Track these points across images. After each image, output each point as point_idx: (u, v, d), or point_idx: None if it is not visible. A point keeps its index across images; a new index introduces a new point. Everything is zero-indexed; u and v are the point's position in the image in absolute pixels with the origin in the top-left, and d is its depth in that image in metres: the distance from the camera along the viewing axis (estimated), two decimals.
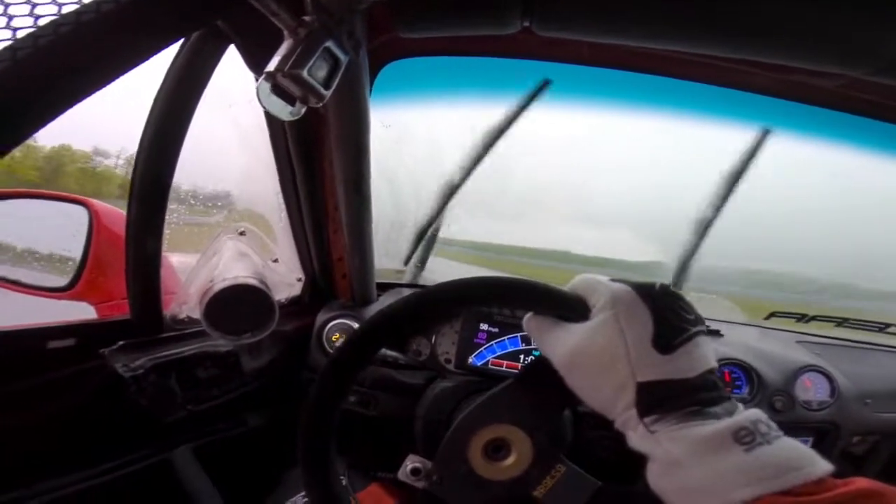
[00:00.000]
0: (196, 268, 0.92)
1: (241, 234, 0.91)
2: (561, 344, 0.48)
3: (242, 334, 0.88)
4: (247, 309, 0.86)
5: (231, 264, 0.87)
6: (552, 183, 1.16)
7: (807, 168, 1.15)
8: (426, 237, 1.44)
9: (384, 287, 1.25)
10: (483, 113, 1.00)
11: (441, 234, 1.37)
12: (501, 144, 1.00)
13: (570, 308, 0.49)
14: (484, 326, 1.07)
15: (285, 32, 0.49)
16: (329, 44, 0.51)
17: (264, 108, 0.51)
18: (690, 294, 1.46)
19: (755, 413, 0.40)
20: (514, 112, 0.99)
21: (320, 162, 0.80)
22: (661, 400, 0.41)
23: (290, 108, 0.56)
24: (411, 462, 0.73)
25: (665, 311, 0.44)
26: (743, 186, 1.16)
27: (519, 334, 1.07)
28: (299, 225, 0.94)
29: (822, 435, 1.18)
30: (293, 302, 1.16)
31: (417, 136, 1.06)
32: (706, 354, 0.43)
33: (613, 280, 0.47)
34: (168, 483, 0.87)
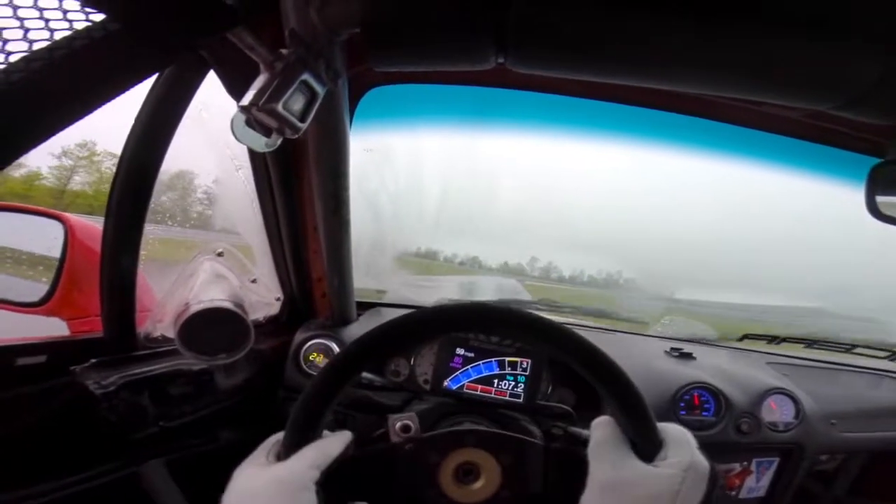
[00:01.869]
0: (172, 287, 0.91)
1: (219, 254, 0.90)
2: (618, 465, 0.52)
3: (217, 355, 0.88)
4: (222, 331, 0.86)
5: (207, 286, 0.86)
6: (533, 207, 1.18)
7: (778, 198, 1.18)
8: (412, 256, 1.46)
9: (365, 306, 1.26)
10: (465, 138, 1.02)
11: (424, 252, 1.39)
12: (483, 170, 1.03)
13: (650, 440, 0.54)
14: (460, 351, 1.08)
15: (261, 66, 0.50)
16: (306, 76, 0.52)
17: (238, 140, 0.51)
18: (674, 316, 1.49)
19: None
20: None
21: (299, 184, 0.81)
22: None
23: (265, 139, 0.56)
24: (399, 420, 0.75)
25: (713, 499, 0.49)
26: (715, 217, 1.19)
27: (494, 359, 1.08)
28: (278, 246, 0.94)
29: (787, 455, 1.21)
30: (271, 321, 1.15)
31: (400, 159, 1.07)
32: None
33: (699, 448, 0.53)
34: (138, 496, 0.86)
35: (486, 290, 1.60)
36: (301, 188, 0.81)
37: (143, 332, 0.89)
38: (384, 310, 1.29)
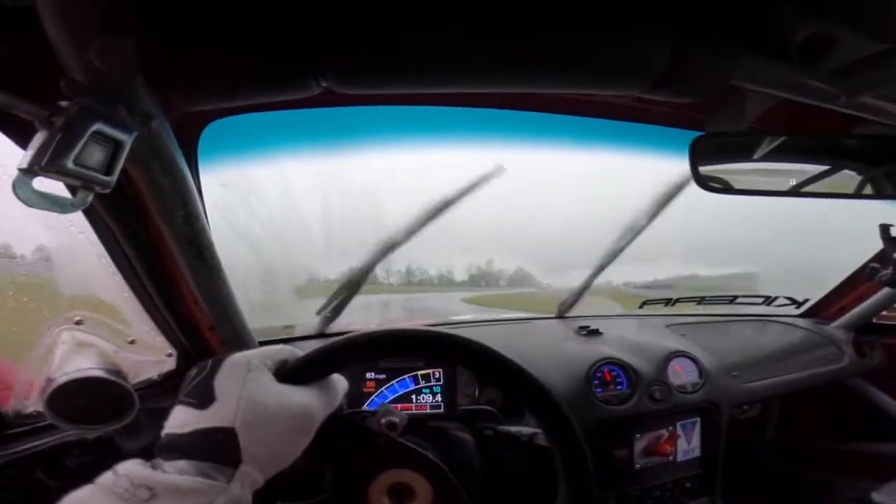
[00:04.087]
0: (31, 362, 0.83)
1: (78, 322, 0.83)
2: None
3: (102, 423, 0.84)
4: (99, 399, 0.82)
5: (70, 357, 0.79)
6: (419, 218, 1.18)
7: (632, 177, 1.27)
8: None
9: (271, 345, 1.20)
10: (332, 158, 1.00)
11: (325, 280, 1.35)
12: (360, 188, 1.01)
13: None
14: (370, 375, 1.06)
15: (35, 123, 0.45)
16: (98, 126, 0.47)
17: (30, 206, 0.46)
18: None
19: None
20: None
21: (151, 235, 0.75)
22: None
23: (69, 200, 0.51)
24: (386, 417, 0.73)
25: None
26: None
27: (407, 376, 1.07)
28: (150, 302, 0.87)
29: (706, 413, 1.29)
30: (169, 377, 1.08)
31: (269, 188, 1.03)
32: None
33: None
34: None
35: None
36: (153, 238, 0.75)
37: (11, 411, 0.83)
38: (296, 343, 1.25)
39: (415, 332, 0.60)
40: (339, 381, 0.56)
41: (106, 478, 0.41)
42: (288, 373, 0.50)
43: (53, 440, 0.85)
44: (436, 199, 1.10)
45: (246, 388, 0.46)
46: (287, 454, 0.48)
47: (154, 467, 0.42)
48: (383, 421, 0.75)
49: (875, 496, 1.22)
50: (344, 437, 0.73)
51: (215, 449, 0.43)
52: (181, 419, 0.46)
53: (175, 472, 0.41)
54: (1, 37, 0.45)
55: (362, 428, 0.76)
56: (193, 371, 0.50)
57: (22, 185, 0.45)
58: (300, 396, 0.49)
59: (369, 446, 0.77)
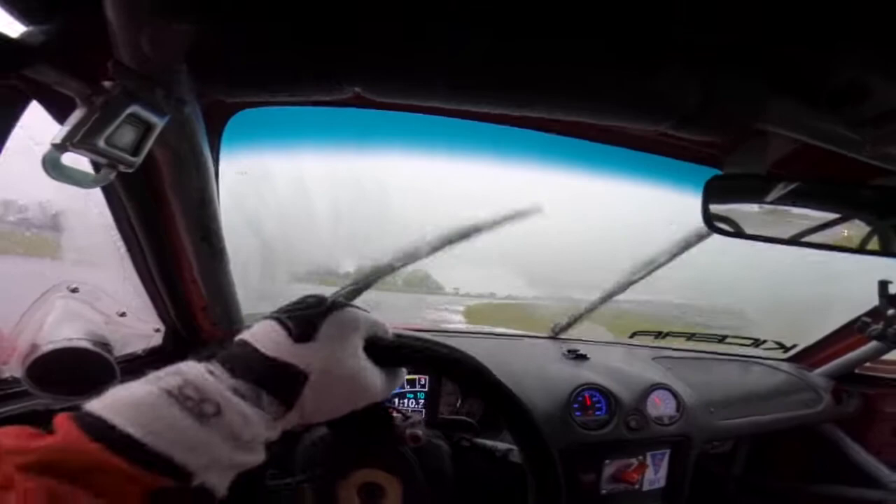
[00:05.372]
0: (19, 325, 0.82)
1: (74, 290, 0.82)
2: None
3: (79, 395, 0.81)
4: (80, 370, 0.80)
5: (58, 326, 0.78)
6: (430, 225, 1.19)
7: (643, 208, 1.30)
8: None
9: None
10: (350, 157, 1.00)
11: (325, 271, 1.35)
12: (372, 190, 1.02)
13: None
14: None
15: (77, 100, 0.45)
16: (135, 108, 0.48)
17: (55, 180, 0.46)
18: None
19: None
20: None
21: (162, 214, 0.74)
22: None
23: (92, 176, 0.51)
24: (412, 430, 0.79)
25: None
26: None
27: None
28: (148, 276, 0.87)
29: (677, 446, 1.31)
30: (153, 352, 1.07)
31: (281, 178, 1.03)
32: None
33: None
34: None
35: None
36: (164, 217, 0.75)
37: None
38: None
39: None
40: (402, 375, 0.54)
41: (170, 380, 0.35)
42: (377, 349, 0.49)
43: (21, 407, 0.82)
44: (460, 216, 1.11)
45: (343, 347, 0.44)
46: (323, 417, 0.45)
47: (219, 380, 0.38)
48: (408, 433, 0.78)
49: None
50: (372, 422, 0.73)
51: (283, 385, 0.41)
52: (271, 339, 0.42)
53: (238, 395, 0.38)
54: (58, 13, 0.45)
55: (389, 424, 0.78)
56: (309, 300, 0.47)
57: (51, 159, 0.45)
58: (375, 378, 0.47)
59: (388, 436, 0.79)
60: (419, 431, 0.75)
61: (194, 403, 0.34)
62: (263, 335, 0.42)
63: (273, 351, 0.41)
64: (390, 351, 0.50)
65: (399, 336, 0.52)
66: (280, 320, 0.43)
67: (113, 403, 0.33)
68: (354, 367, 0.45)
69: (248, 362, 0.40)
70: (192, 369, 0.37)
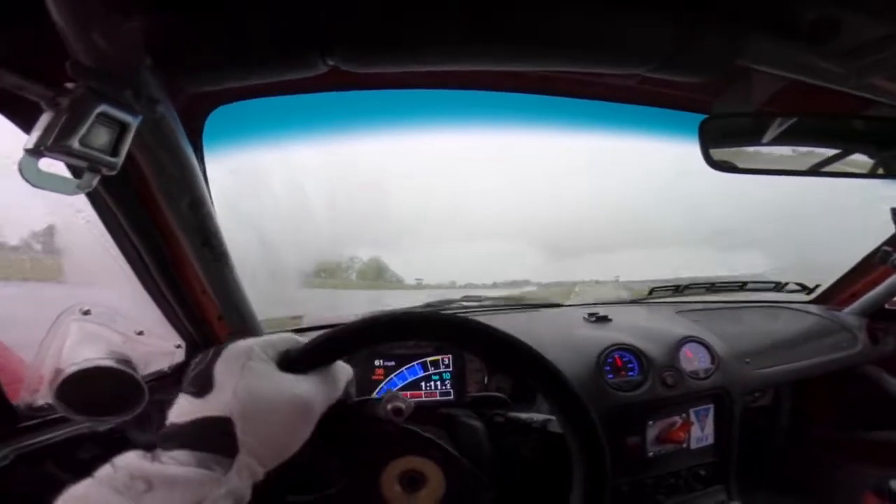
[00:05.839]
0: (40, 354, 0.83)
1: (86, 313, 0.83)
2: None
3: (112, 415, 0.84)
4: (108, 390, 0.81)
5: (78, 348, 0.79)
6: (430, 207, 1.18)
7: (638, 161, 1.26)
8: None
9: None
10: (339, 144, 0.99)
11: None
12: (368, 174, 1.01)
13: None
14: (378, 362, 1.05)
15: (42, 104, 0.45)
16: (104, 108, 0.47)
17: (35, 187, 0.46)
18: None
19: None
20: None
21: (157, 223, 0.74)
22: None
23: (75, 181, 0.51)
24: (392, 403, 0.74)
25: None
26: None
27: (416, 363, 1.07)
28: (158, 293, 0.87)
29: (719, 400, 1.27)
30: (178, 369, 1.08)
31: (273, 172, 1.02)
32: None
33: None
34: None
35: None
36: (160, 226, 0.75)
37: (22, 404, 0.81)
38: (304, 334, 1.24)
39: (419, 316, 0.59)
40: (343, 370, 0.55)
41: (104, 471, 0.40)
42: (289, 361, 0.49)
43: (65, 433, 0.84)
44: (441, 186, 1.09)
45: (244, 377, 0.45)
46: (287, 445, 0.47)
47: (153, 458, 0.41)
48: (389, 407, 0.75)
49: (893, 484, 1.21)
50: (351, 426, 0.73)
51: (212, 439, 0.42)
52: (181, 408, 0.45)
53: (173, 463, 0.40)
54: (9, 20, 0.45)
55: (369, 416, 0.76)
56: (197, 359, 0.49)
57: (27, 166, 0.45)
58: (300, 385, 0.48)
59: (378, 434, 0.77)
60: (400, 404, 0.73)
61: (126, 485, 0.38)
62: (176, 408, 0.45)
63: (186, 415, 0.43)
64: (304, 355, 0.50)
65: (325, 334, 0.51)
66: (183, 390, 0.46)
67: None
68: (268, 387, 0.46)
69: (175, 435, 0.43)
70: (126, 458, 0.41)
